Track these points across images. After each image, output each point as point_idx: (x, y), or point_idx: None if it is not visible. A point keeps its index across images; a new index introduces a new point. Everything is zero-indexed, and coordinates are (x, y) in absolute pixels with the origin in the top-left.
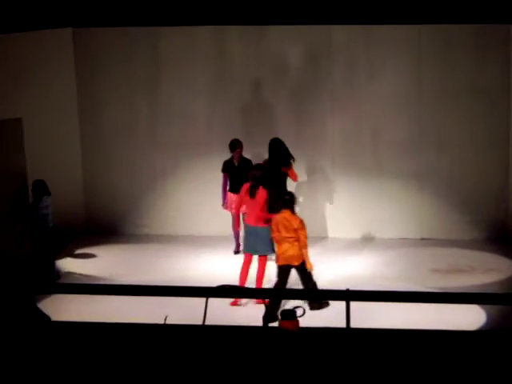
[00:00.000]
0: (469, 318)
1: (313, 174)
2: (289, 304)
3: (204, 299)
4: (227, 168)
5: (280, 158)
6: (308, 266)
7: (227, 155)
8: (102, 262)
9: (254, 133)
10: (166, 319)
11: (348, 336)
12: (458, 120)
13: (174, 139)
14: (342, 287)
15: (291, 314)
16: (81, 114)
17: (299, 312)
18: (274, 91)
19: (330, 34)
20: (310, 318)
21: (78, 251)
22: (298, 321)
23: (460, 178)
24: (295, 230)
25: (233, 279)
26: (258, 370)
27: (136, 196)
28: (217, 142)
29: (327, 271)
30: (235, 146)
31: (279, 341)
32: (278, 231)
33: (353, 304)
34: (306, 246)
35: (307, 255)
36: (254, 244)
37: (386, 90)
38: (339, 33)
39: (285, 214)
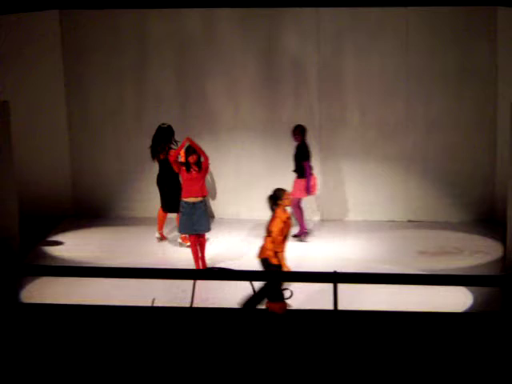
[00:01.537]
0: (456, 299)
1: None
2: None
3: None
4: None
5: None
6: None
7: (215, 138)
8: (88, 245)
9: (244, 116)
10: (153, 302)
11: (335, 318)
12: (445, 102)
13: (161, 123)
14: (330, 269)
15: (279, 296)
16: (68, 97)
17: (287, 294)
18: (261, 75)
19: (317, 17)
20: (298, 300)
21: (65, 233)
22: (285, 303)
23: (447, 161)
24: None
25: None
26: (246, 352)
27: (123, 179)
28: (205, 126)
29: (314, 254)
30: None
31: (267, 322)
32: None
33: (340, 286)
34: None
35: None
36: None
37: (373, 73)
38: (326, 16)
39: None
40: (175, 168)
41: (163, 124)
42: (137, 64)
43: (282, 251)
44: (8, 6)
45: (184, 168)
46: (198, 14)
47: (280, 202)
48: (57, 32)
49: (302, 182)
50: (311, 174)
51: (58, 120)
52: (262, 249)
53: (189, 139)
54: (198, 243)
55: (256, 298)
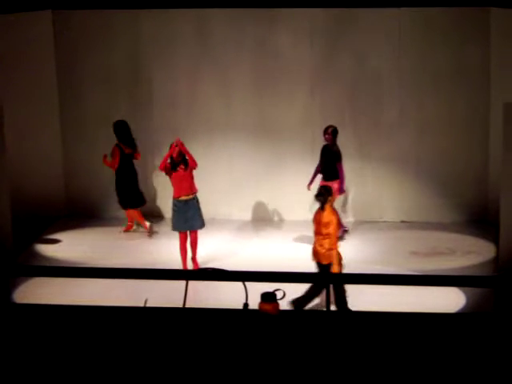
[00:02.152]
0: (448, 300)
1: (292, 156)
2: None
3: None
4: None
5: (128, 140)
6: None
7: (208, 138)
8: (82, 245)
9: (236, 116)
10: (146, 302)
11: (328, 318)
12: (438, 103)
13: (154, 123)
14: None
15: (271, 297)
16: (61, 97)
17: (279, 294)
18: (255, 75)
19: (311, 18)
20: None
21: (59, 234)
22: (278, 303)
23: (440, 161)
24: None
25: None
26: (239, 353)
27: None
28: (197, 126)
29: (308, 255)
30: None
31: (259, 323)
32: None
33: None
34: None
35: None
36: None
37: (366, 74)
38: (320, 16)
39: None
40: (167, 173)
41: (118, 120)
42: (129, 64)
43: (337, 248)
44: (1, 6)
45: (169, 166)
46: (190, 14)
47: (331, 198)
48: (49, 32)
49: (335, 183)
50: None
51: (50, 120)
52: (322, 253)
53: (179, 142)
54: (188, 241)
55: (307, 298)
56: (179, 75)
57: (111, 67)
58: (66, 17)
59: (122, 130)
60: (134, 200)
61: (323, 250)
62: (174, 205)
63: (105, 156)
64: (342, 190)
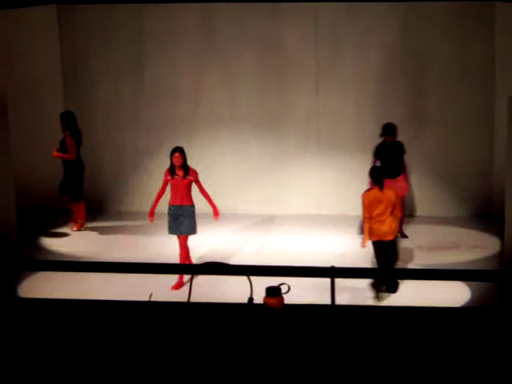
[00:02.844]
0: (453, 294)
1: (297, 150)
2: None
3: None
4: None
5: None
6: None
7: (212, 132)
8: (85, 240)
9: (241, 109)
10: (150, 296)
11: (333, 313)
12: (442, 97)
13: (158, 117)
14: (327, 264)
15: (276, 291)
16: (65, 92)
17: (284, 289)
18: (260, 68)
19: (315, 11)
20: (295, 295)
21: (61, 229)
22: (282, 298)
23: (444, 155)
24: (393, 205)
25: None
26: (243, 347)
27: (119, 174)
28: (201, 120)
29: (312, 248)
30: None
31: (264, 318)
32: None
33: (338, 281)
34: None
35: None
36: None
37: (371, 68)
38: (325, 10)
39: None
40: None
41: (67, 110)
42: (134, 58)
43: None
44: (6, 0)
45: (168, 172)
46: (195, 8)
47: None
48: (54, 27)
49: (401, 180)
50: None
51: (54, 115)
52: (388, 230)
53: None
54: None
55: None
56: (183, 69)
57: (115, 61)
58: (71, 11)
59: (70, 120)
60: (82, 192)
61: (389, 227)
62: (169, 208)
63: (56, 149)
64: (407, 186)
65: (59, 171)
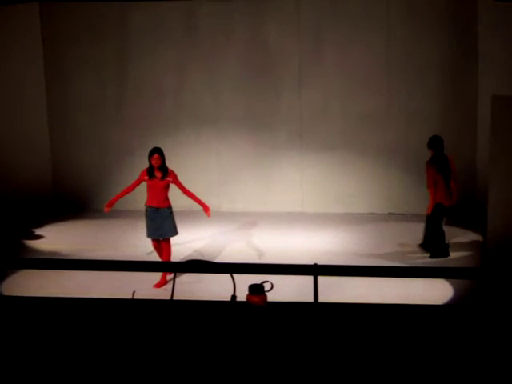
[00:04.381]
0: (435, 292)
1: (280, 148)
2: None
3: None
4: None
5: None
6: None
7: (196, 129)
8: (70, 237)
9: (224, 107)
10: (133, 294)
11: (316, 310)
12: (426, 94)
13: (141, 114)
14: (310, 262)
15: (259, 289)
16: (48, 89)
17: (267, 286)
18: (243, 66)
19: (297, 7)
20: (278, 293)
21: (46, 226)
22: (265, 295)
23: (428, 152)
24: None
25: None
26: (226, 345)
27: (104, 171)
28: (185, 118)
29: (295, 246)
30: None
31: (247, 315)
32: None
33: (320, 278)
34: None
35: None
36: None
37: (354, 64)
38: (307, 5)
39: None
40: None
41: None
42: (117, 55)
43: None
44: None
45: (146, 172)
46: (178, 4)
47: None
48: (37, 24)
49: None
50: None
51: (38, 112)
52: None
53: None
54: (159, 248)
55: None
56: (166, 66)
57: (99, 58)
58: (53, 8)
59: None
60: None
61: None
62: (146, 210)
63: None
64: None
65: (43, 168)
